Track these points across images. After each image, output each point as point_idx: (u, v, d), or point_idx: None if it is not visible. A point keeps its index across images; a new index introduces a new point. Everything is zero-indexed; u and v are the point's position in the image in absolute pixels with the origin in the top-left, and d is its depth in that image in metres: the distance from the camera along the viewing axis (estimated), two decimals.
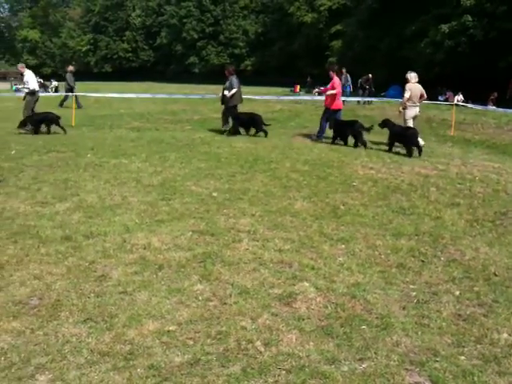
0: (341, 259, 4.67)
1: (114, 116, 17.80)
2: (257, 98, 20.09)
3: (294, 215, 5.96)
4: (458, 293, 4.04)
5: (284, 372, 2.93)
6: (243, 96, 13.59)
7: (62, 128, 13.02)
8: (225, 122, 13.40)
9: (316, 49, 49.33)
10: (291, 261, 4.56)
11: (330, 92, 12.04)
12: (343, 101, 13.74)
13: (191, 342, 3.21)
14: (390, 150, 10.92)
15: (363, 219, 5.89)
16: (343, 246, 5.03)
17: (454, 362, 3.09)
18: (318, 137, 12.36)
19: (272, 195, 6.88)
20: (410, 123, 11.33)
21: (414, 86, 11.27)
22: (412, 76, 11.31)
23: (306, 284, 4.08)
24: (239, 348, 3.15)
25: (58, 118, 13.08)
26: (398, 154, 10.64)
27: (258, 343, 3.20)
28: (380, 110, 21.14)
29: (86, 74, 72.68)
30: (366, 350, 3.19)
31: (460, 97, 26.66)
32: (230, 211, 6.11)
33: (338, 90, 12.02)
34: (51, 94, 30.21)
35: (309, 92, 38.07)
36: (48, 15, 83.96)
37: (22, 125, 12.83)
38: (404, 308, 3.77)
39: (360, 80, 27.56)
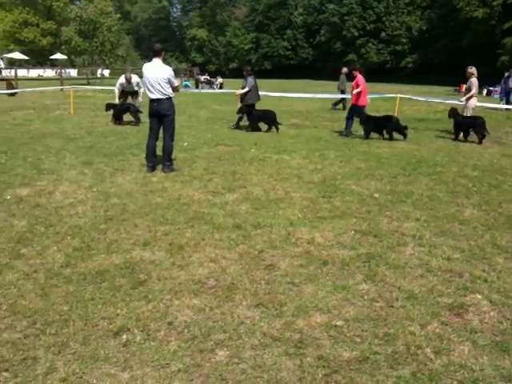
0: None
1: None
2: (420, 99, 19.31)
3: (463, 223, 5.66)
4: None
5: (456, 383, 2.84)
6: None
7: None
8: (239, 120, 13.99)
9: (485, 46, 45.81)
10: (461, 271, 4.35)
11: (355, 91, 12.56)
12: None
13: (358, 340, 3.25)
14: (456, 139, 12.32)
15: None
16: None
17: None
18: (346, 131, 13.11)
19: (438, 200, 6.61)
20: (470, 112, 12.70)
21: (477, 80, 12.64)
22: (474, 71, 12.69)
23: (479, 296, 3.87)
24: (408, 352, 3.12)
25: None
26: None
27: (428, 350, 3.13)
28: None
29: None
30: None
31: None
32: (393, 213, 6.00)
33: (363, 87, 12.50)
34: (216, 90, 32.22)
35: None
36: (215, 15, 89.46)
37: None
38: None
39: None
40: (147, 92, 7.98)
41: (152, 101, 7.98)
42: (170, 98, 7.97)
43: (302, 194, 6.87)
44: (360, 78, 12.66)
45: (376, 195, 6.80)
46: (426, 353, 3.11)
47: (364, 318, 3.53)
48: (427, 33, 58.26)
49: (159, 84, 7.81)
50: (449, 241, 5.09)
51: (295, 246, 4.91)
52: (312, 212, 6.05)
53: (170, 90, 7.97)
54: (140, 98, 14.48)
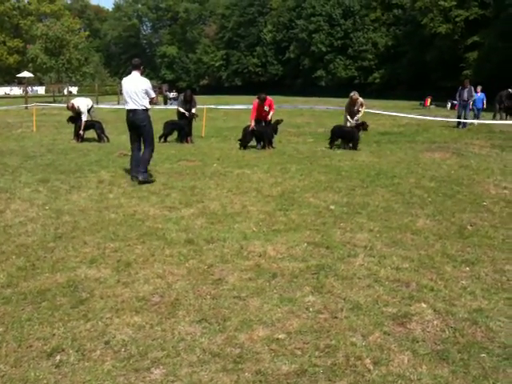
0: (464, 282, 4.37)
1: (240, 128, 18.28)
2: (384, 113, 19.66)
3: (416, 233, 5.70)
4: None
5: None
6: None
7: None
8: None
9: (450, 61, 47.09)
10: (409, 280, 4.36)
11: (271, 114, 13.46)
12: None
13: (299, 353, 3.20)
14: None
15: (492, 241, 5.46)
16: (467, 268, 4.71)
17: None
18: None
19: (393, 211, 6.66)
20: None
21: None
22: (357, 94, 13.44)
23: (424, 305, 3.88)
24: (347, 364, 3.08)
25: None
26: None
27: (368, 361, 3.10)
28: None
29: (217, 87, 76.52)
30: (483, 379, 2.95)
31: None
32: (347, 225, 6.02)
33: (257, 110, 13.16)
34: None
35: (440, 106, 36.35)
36: (186, 32, 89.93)
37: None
38: None
39: (500, 94, 25.46)
40: (124, 104, 8.31)
41: (128, 111, 8.29)
42: (145, 110, 8.32)
43: (259, 207, 6.84)
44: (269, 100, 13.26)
45: (332, 207, 6.81)
46: (365, 364, 3.08)
47: (307, 330, 3.49)
48: (393, 49, 59.63)
49: (136, 95, 8.12)
50: (399, 251, 5.11)
51: (246, 260, 4.85)
52: (267, 225, 6.02)
53: (147, 102, 8.27)
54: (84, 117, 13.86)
